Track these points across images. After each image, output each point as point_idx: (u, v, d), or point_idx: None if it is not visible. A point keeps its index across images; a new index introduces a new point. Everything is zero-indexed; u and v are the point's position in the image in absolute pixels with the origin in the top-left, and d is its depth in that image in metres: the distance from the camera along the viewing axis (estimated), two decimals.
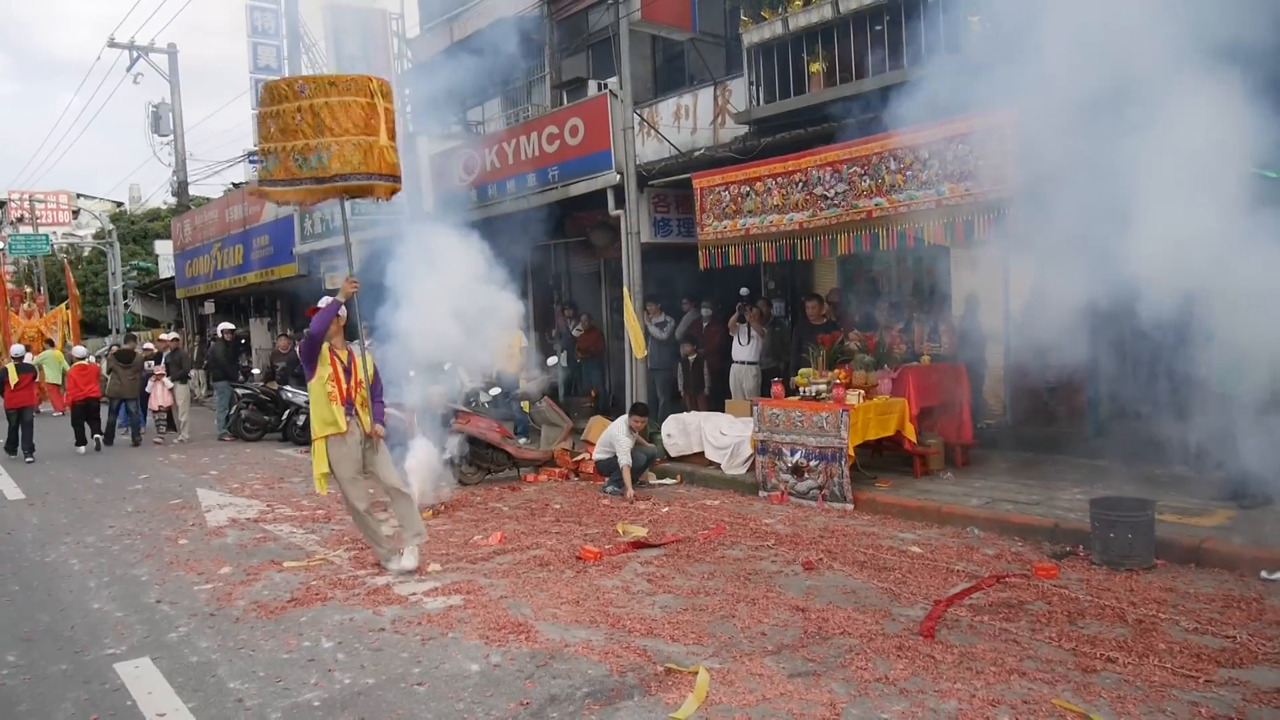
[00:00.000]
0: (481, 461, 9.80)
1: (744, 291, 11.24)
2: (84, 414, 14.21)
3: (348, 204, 6.79)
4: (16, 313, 26.86)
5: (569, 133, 11.77)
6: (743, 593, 5.66)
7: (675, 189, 11.17)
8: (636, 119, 11.29)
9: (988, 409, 9.84)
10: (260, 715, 4.14)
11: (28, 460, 13.14)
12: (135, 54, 25.54)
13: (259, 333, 23.59)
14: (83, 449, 14.10)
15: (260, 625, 5.36)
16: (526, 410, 10.91)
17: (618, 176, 11.05)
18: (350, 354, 6.44)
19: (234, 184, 26.87)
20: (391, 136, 6.25)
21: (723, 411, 10.44)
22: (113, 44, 25.45)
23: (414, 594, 5.87)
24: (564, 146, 11.86)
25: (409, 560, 6.36)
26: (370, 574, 6.39)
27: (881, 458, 8.91)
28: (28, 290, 34.98)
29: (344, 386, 6.32)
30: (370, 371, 6.54)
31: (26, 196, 54.16)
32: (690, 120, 12.11)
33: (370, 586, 6.05)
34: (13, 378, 13.57)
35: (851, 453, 7.95)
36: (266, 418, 14.45)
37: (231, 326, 16.89)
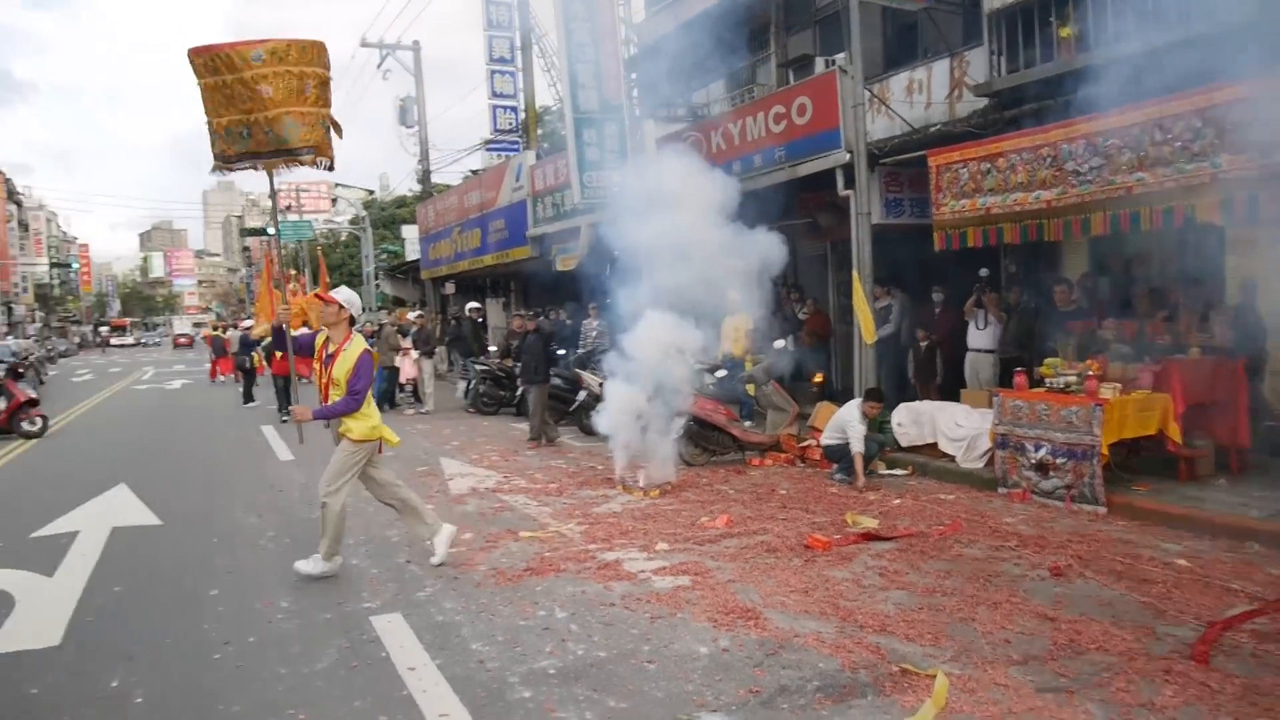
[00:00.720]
0: (707, 443, 9.84)
1: (983, 273, 10.61)
2: (285, 387, 15.77)
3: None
4: (282, 293, 29.68)
5: (796, 112, 11.53)
6: (983, 595, 5.33)
7: (908, 167, 10.69)
8: (867, 95, 10.88)
9: (1269, 410, 8.78)
10: (500, 678, 4.31)
11: (283, 420, 14.96)
12: (384, 52, 27.50)
13: (495, 312, 24.83)
14: (284, 419, 15.65)
15: (499, 591, 5.61)
16: (752, 394, 10.84)
17: (847, 155, 10.71)
18: (338, 350, 6.02)
19: (472, 171, 28.40)
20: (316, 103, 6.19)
21: (956, 401, 9.93)
22: (365, 44, 27.54)
23: (643, 572, 5.95)
24: (791, 126, 11.63)
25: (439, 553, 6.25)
26: (601, 548, 6.55)
27: (1139, 458, 8.16)
28: (292, 273, 38.52)
29: (320, 381, 6.13)
30: (349, 367, 5.95)
31: (294, 187, 59.71)
32: (924, 95, 11.55)
33: (601, 561, 6.19)
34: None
35: (1105, 451, 7.32)
36: (502, 393, 15.16)
37: (478, 305, 17.81)
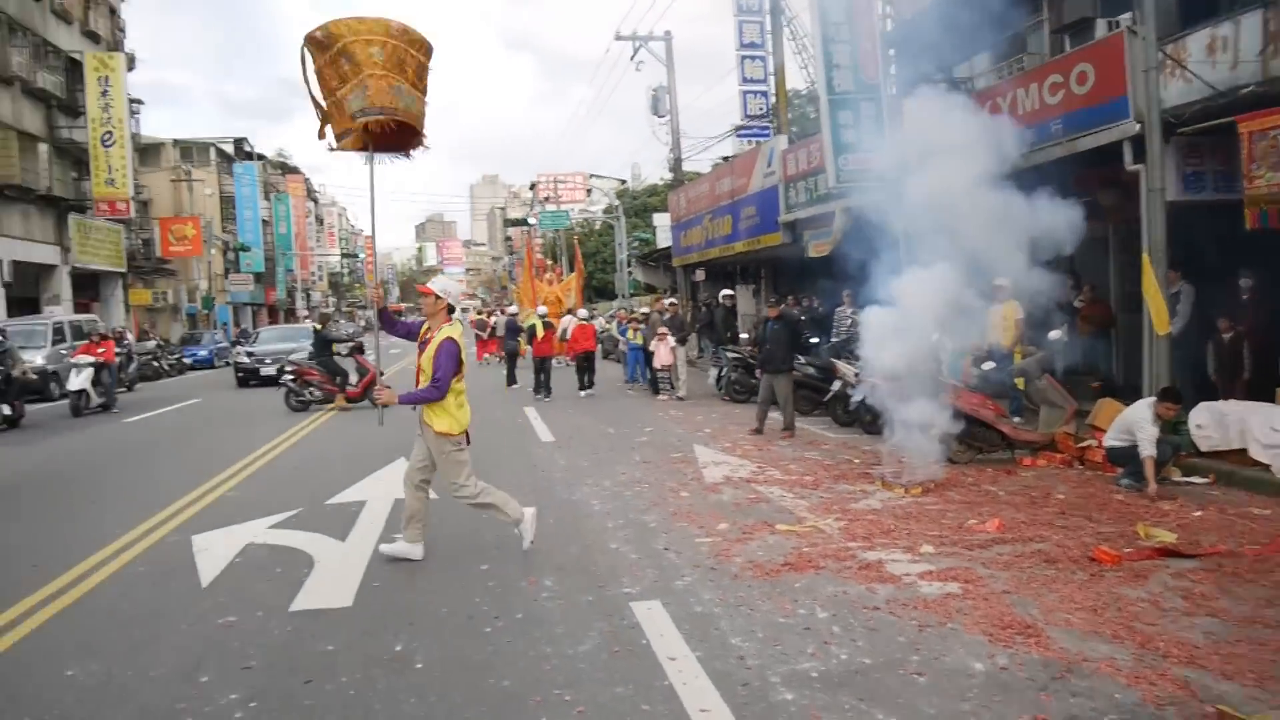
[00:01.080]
0: (973, 440, 9.26)
1: None
2: (583, 363, 17.77)
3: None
4: (541, 280, 31.12)
5: (1075, 80, 10.55)
6: None
7: (1211, 136, 9.51)
8: (1160, 57, 9.76)
9: None
10: (760, 676, 4.21)
11: (543, 398, 16.97)
12: (637, 44, 28.09)
13: (745, 299, 24.80)
14: (582, 393, 17.52)
15: (756, 585, 5.51)
16: (1021, 387, 10.10)
17: (1137, 126, 9.67)
18: (430, 337, 6.16)
19: (723, 158, 28.48)
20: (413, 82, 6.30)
21: (1270, 401, 8.75)
22: (619, 37, 28.26)
23: (908, 575, 5.65)
24: (1069, 96, 10.67)
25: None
26: (861, 546, 6.30)
27: None
28: (549, 262, 40.41)
29: (416, 371, 6.21)
30: (431, 354, 6.05)
31: (552, 179, 62.67)
32: (1229, 54, 10.19)
33: (862, 561, 5.95)
34: (539, 332, 17.90)
35: None
36: (753, 380, 15.08)
37: (731, 292, 17.83)
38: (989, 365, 9.97)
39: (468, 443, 6.30)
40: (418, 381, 6.15)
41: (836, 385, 11.96)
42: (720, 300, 16.98)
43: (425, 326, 6.28)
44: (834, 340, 14.06)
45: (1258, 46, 9.82)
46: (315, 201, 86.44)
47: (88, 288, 35.35)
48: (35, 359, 19.01)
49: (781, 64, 21.12)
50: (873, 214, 9.53)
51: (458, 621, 5.06)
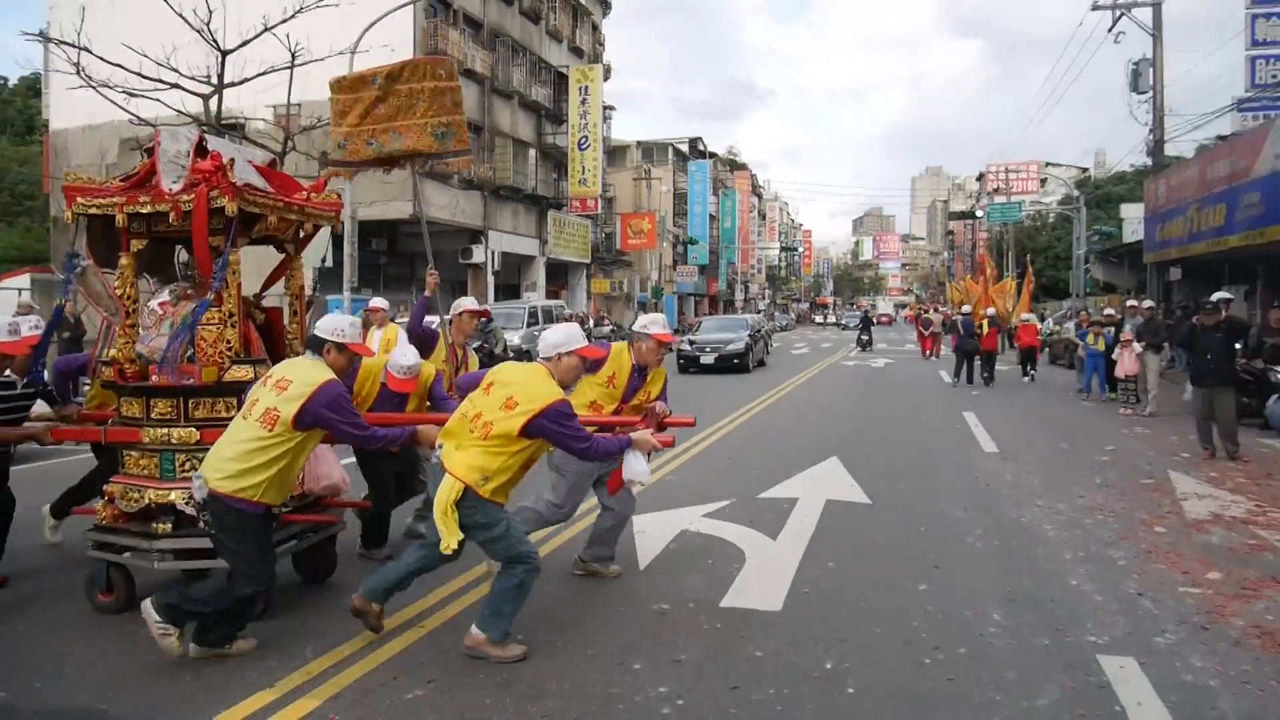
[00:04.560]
0: None
1: None
2: (1026, 356, 21.03)
3: None
4: (974, 280, 29.29)
5: None
6: None
7: None
8: None
9: None
10: None
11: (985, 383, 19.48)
12: (1118, 13, 25.14)
13: (1235, 303, 21.21)
14: (1025, 379, 20.50)
15: (1266, 659, 4.44)
16: None
17: None
18: (464, 355, 6.47)
19: (1219, 137, 24.57)
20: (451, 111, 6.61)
21: None
22: (1096, 7, 25.48)
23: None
24: None
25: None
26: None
27: None
28: (989, 261, 37.75)
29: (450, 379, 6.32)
30: (473, 367, 6.44)
31: (1002, 169, 58.92)
32: None
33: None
34: (984, 329, 20.17)
35: None
36: (1245, 400, 12.74)
37: (1230, 296, 15.32)
38: None
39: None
40: None
41: None
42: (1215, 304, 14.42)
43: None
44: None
45: None
46: (759, 197, 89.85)
47: (558, 276, 40.15)
48: (513, 338, 21.68)
49: None
50: None
51: (893, 646, 4.65)
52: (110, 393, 5.58)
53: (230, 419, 4.74)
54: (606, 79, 39.54)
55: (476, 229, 31.42)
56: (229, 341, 5.07)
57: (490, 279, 32.11)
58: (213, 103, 18.43)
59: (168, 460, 5.03)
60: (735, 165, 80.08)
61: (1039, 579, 5.75)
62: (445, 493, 4.29)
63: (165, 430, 5.02)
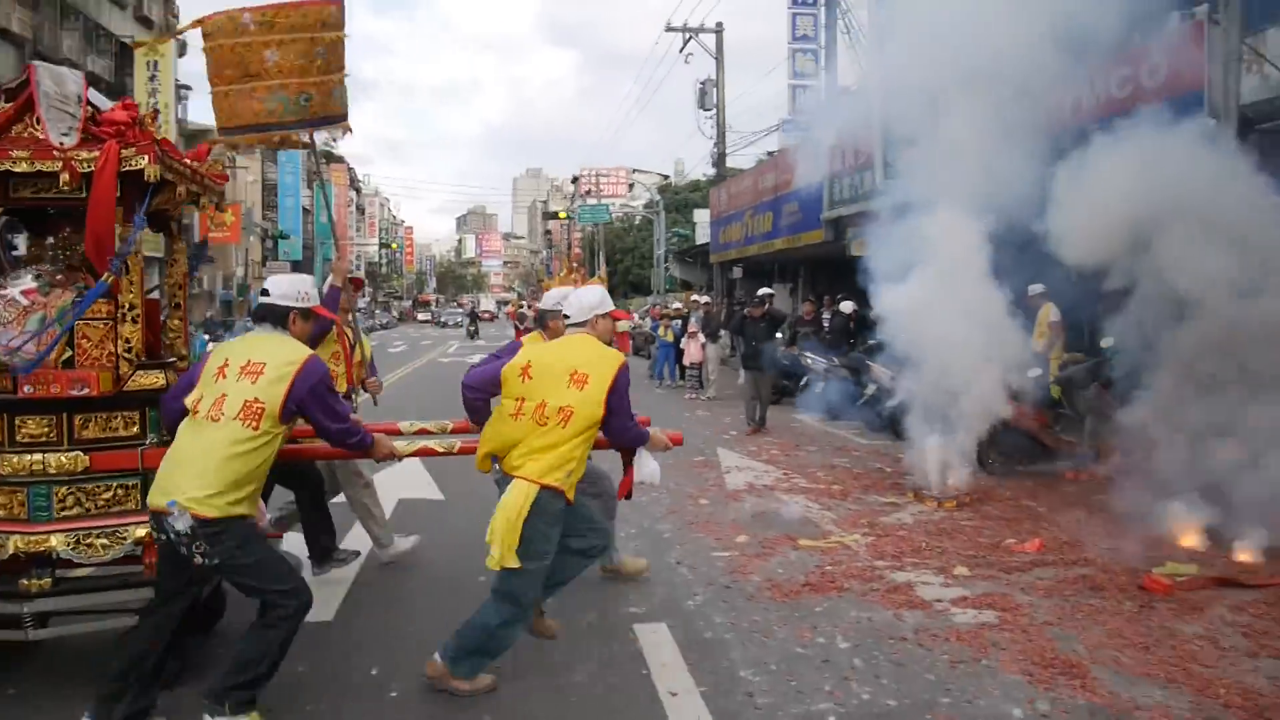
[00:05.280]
0: (1012, 451, 8.74)
1: None
2: None
3: None
4: (567, 279, 30.93)
5: (1146, 74, 9.95)
6: None
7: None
8: (1245, 49, 9.12)
9: None
10: (771, 718, 3.79)
11: None
12: (687, 35, 27.68)
13: (781, 298, 24.27)
14: None
15: (774, 608, 5.08)
16: (1057, 396, 9.51)
17: (1213, 122, 9.06)
18: (355, 334, 5.89)
19: (768, 153, 27.94)
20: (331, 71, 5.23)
21: None
22: (669, 28, 27.86)
23: (940, 600, 5.18)
24: (1137, 91, 10.06)
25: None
26: (890, 566, 5.84)
27: None
28: (574, 264, 40.08)
29: (348, 370, 5.73)
30: (368, 354, 6.18)
31: (594, 173, 62.41)
32: None
33: (890, 583, 5.48)
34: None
35: None
36: (785, 382, 14.60)
37: (770, 291, 17.38)
38: (1036, 372, 9.40)
39: None
40: (349, 377, 5.79)
41: (871, 388, 11.46)
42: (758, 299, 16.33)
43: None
44: (870, 342, 13.64)
45: None
46: (358, 191, 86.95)
47: None
48: None
49: (835, 59, 20.67)
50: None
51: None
52: None
53: (133, 438, 3.88)
54: (181, 55, 35.74)
55: None
56: (128, 341, 3.94)
57: None
58: None
59: (40, 496, 3.79)
60: (331, 157, 76.60)
61: None
62: (518, 500, 3.78)
63: (38, 457, 3.76)
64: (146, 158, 3.78)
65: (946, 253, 7.77)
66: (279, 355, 3.62)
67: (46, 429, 3.81)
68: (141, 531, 3.81)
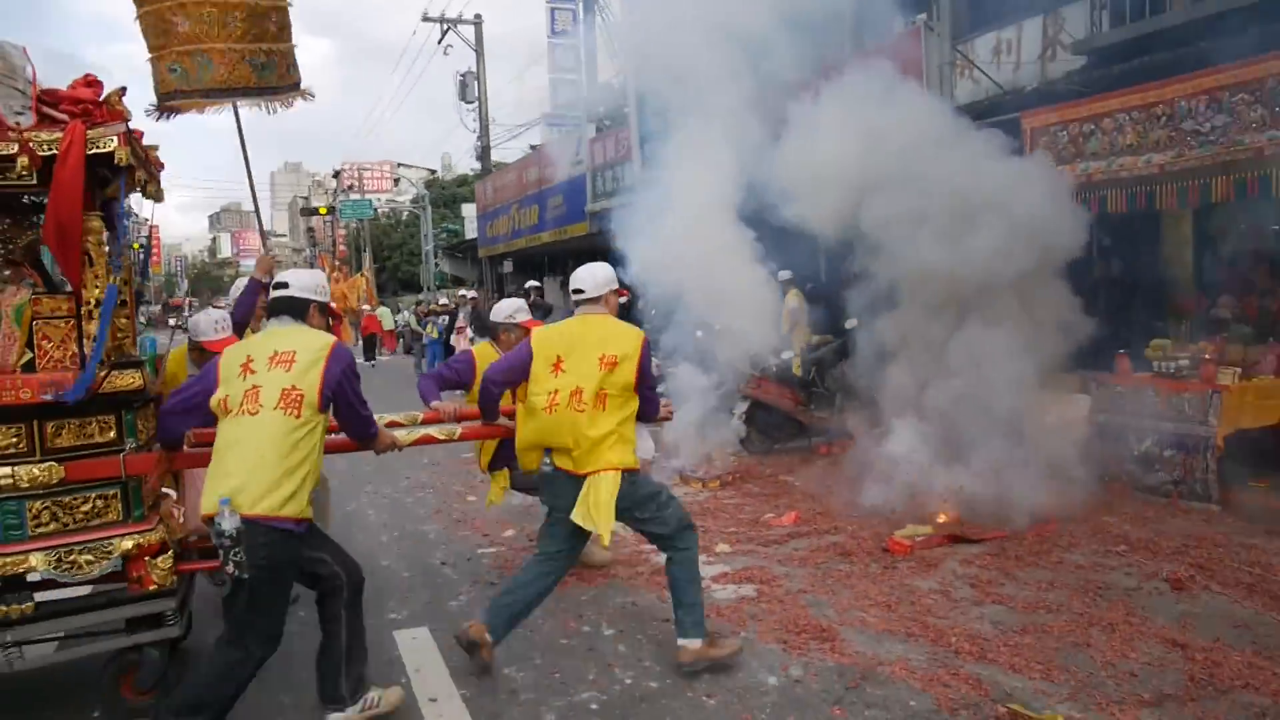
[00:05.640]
0: (770, 430, 9.15)
1: None
2: (369, 344, 23.54)
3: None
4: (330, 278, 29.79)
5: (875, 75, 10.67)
6: (1095, 613, 4.60)
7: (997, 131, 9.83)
8: (957, 55, 9.99)
9: None
10: (534, 713, 3.73)
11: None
12: (445, 27, 27.11)
13: (552, 291, 24.33)
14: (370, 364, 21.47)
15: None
16: (797, 374, 10.04)
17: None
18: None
19: (531, 146, 27.88)
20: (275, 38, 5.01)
21: None
22: (426, 19, 27.17)
23: (701, 579, 5.30)
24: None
25: None
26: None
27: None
28: (336, 262, 38.59)
29: None
30: None
31: (356, 167, 60.07)
32: (1012, 56, 10.60)
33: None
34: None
35: (1220, 443, 6.49)
36: None
37: (538, 284, 17.35)
38: (788, 354, 9.89)
39: None
40: None
41: None
42: (528, 292, 16.24)
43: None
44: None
45: (1037, 50, 10.24)
46: None
47: None
48: None
49: (594, 53, 20.81)
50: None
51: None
52: None
53: (110, 444, 3.56)
54: None
55: None
56: (122, 333, 3.80)
57: None
58: None
59: (11, 514, 3.42)
60: None
61: None
62: (607, 487, 3.83)
63: (6, 470, 3.38)
64: (115, 139, 3.42)
65: (700, 238, 8.01)
66: (307, 343, 3.50)
67: (15, 439, 3.45)
68: (128, 544, 3.55)
